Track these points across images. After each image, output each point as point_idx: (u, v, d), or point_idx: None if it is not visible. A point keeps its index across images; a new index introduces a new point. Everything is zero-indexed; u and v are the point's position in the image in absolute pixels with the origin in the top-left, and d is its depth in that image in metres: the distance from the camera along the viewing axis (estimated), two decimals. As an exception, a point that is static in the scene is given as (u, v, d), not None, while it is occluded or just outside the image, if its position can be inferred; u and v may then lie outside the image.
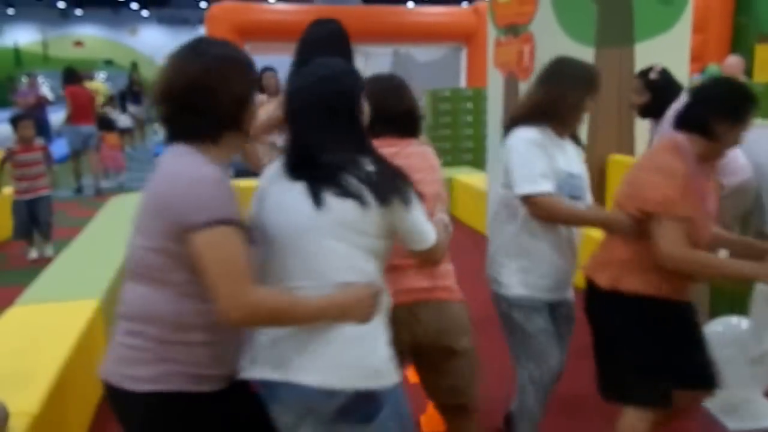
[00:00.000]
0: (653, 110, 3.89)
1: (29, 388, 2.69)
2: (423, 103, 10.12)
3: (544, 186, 2.49)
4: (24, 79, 12.23)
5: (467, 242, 6.68)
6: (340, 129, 1.82)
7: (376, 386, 1.75)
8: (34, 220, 6.40)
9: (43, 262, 5.93)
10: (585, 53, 5.41)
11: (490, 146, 6.66)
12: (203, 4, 24.98)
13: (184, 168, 1.64)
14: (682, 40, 5.02)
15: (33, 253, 6.53)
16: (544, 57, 5.49)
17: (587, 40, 5.39)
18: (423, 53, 13.52)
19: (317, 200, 1.74)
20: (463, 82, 11.99)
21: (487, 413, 3.36)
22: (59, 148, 11.17)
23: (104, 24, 29.08)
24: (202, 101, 1.67)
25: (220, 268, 1.56)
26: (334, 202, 1.73)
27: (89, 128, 10.11)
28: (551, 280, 2.73)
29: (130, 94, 14.27)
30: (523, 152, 2.57)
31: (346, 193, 1.73)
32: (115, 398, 1.74)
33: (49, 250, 6.49)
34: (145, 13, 29.17)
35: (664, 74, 3.91)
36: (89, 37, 29.11)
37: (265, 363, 1.76)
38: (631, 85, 5.31)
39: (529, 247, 2.67)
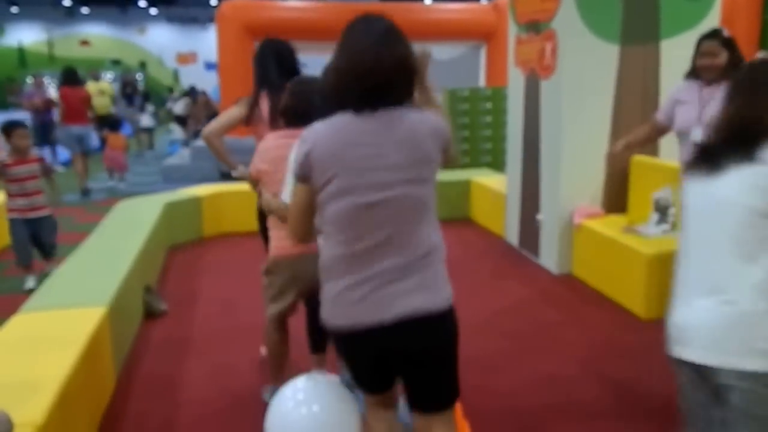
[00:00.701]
0: (732, 69, 3.72)
1: (34, 398, 2.62)
2: (440, 101, 9.97)
3: None
4: (29, 80, 12.10)
5: (482, 244, 6.57)
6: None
7: None
8: (37, 243, 5.65)
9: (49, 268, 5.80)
10: (609, 51, 5.27)
11: (509, 148, 6.52)
12: (213, 2, 24.59)
13: (431, 117, 2.06)
14: (711, 37, 4.85)
15: (30, 282, 5.63)
16: (567, 55, 5.36)
17: (612, 37, 5.24)
18: (441, 51, 13.36)
19: None
20: (482, 82, 11.83)
21: (495, 407, 3.28)
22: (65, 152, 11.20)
23: (111, 23, 28.92)
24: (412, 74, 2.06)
25: None
26: None
27: (81, 129, 10.19)
28: None
29: (123, 96, 13.82)
30: None
31: None
32: (439, 334, 2.06)
33: (49, 267, 5.61)
34: (153, 11, 29.01)
35: (731, 35, 3.79)
36: (96, 36, 28.93)
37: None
38: (657, 80, 5.20)
39: None
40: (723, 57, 3.79)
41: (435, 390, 2.13)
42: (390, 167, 1.95)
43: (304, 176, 2.02)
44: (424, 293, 1.99)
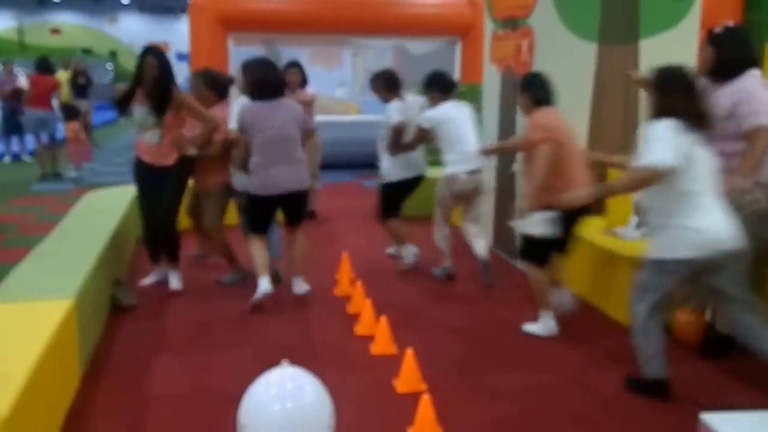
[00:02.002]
0: (717, 69, 3.70)
1: (-1, 390, 2.55)
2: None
3: None
4: None
5: (455, 244, 6.40)
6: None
7: None
8: None
9: (15, 257, 5.59)
10: (587, 50, 5.25)
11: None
12: (187, -9, 24.45)
13: (298, 106, 4.99)
14: (690, 37, 4.78)
15: None
16: (544, 52, 5.35)
17: (589, 35, 5.22)
18: (415, 46, 13.30)
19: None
20: (456, 78, 11.78)
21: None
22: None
23: (83, 11, 28.51)
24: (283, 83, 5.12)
25: None
26: None
27: (43, 113, 10.79)
28: None
29: (73, 87, 13.05)
30: None
31: None
32: (302, 197, 4.87)
33: None
34: (125, 0, 28.65)
35: (733, 31, 3.75)
36: (67, 24, 28.54)
37: None
38: (635, 83, 5.18)
39: None
40: (706, 53, 3.76)
41: (297, 217, 4.94)
42: (279, 120, 4.62)
43: (242, 131, 4.67)
44: (298, 182, 4.72)
